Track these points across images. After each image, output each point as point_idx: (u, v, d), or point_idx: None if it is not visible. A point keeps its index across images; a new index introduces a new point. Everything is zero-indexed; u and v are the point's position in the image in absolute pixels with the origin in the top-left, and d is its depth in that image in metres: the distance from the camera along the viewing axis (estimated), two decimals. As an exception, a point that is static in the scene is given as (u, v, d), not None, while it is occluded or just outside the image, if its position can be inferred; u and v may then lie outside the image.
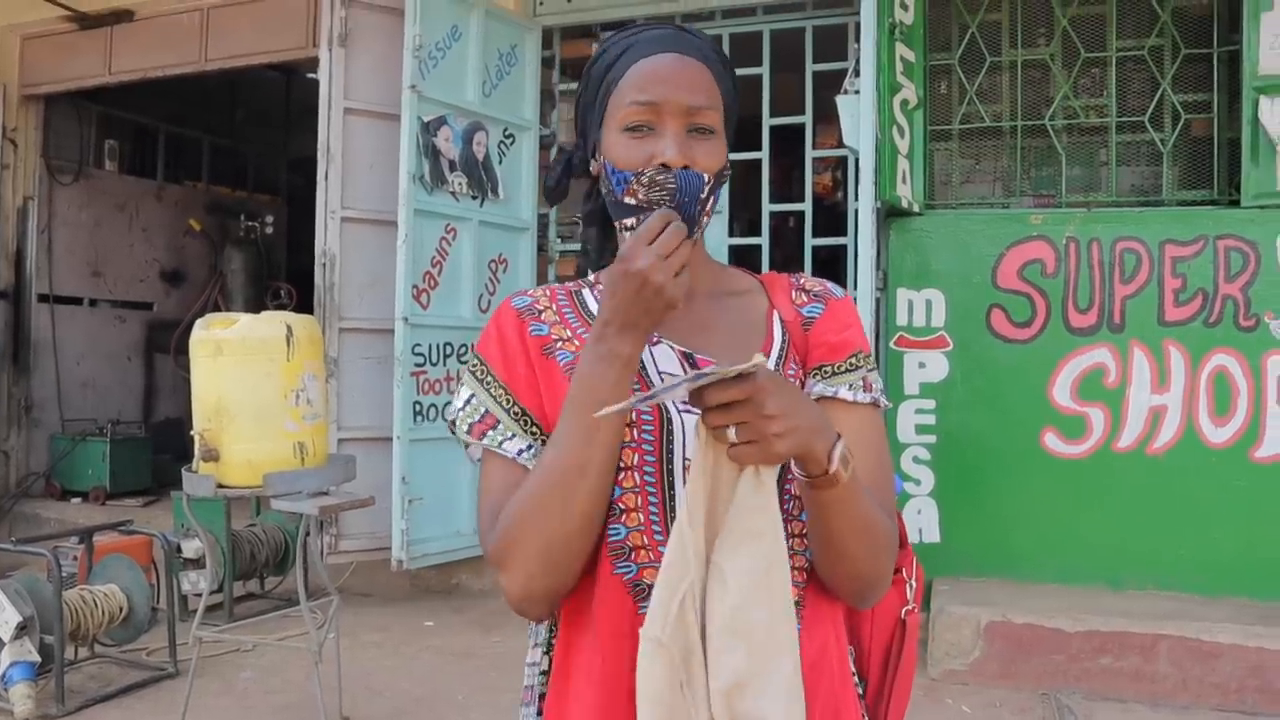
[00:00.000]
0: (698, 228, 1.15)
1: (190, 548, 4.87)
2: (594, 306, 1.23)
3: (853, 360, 1.19)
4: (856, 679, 1.25)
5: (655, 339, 1.17)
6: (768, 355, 1.19)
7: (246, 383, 3.05)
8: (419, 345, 4.93)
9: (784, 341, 1.21)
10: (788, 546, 1.11)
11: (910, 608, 1.30)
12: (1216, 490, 4.29)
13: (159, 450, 7.48)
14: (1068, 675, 3.94)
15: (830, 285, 1.29)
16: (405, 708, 3.91)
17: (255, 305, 8.19)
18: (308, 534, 3.57)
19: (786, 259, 6.18)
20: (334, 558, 5.21)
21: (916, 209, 4.74)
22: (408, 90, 4.79)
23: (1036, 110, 4.87)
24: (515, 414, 1.16)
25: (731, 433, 0.96)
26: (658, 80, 1.15)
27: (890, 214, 4.70)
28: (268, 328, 3.09)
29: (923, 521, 4.66)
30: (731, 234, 5.80)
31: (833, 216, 6.11)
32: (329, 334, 5.08)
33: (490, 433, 1.15)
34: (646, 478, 1.11)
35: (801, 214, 5.40)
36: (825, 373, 1.19)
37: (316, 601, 3.81)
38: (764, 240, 5.44)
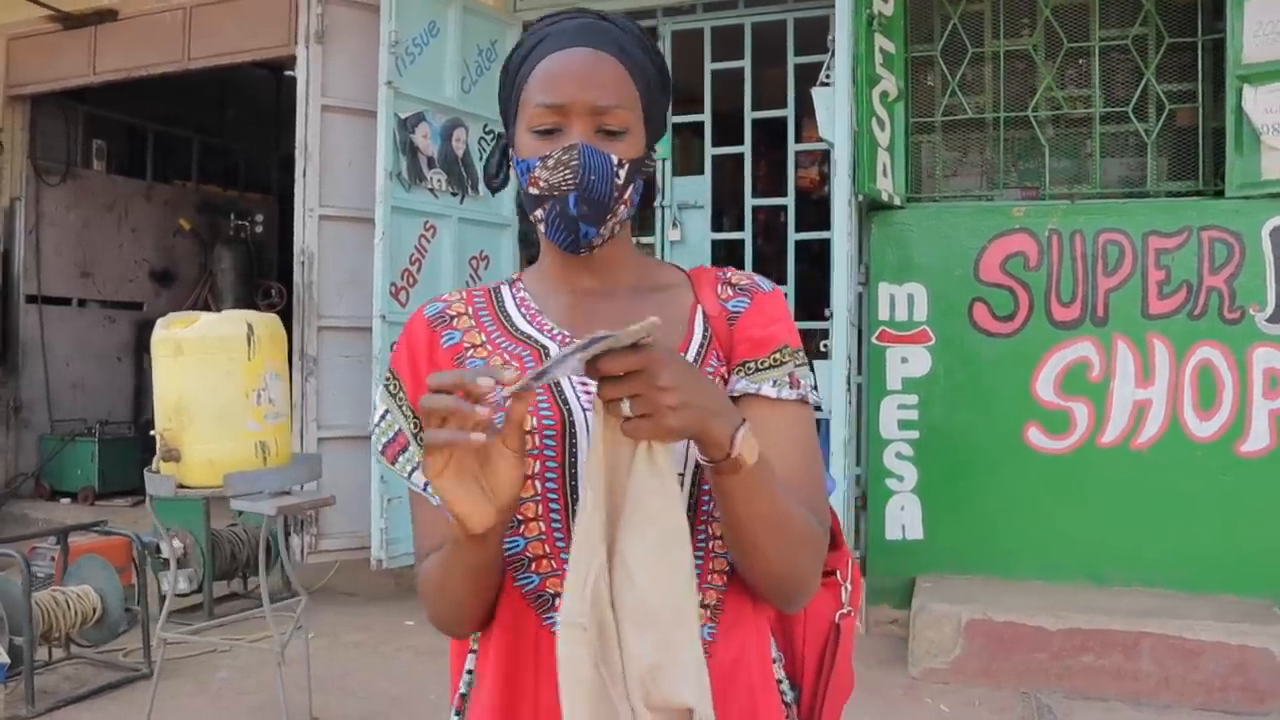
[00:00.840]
0: (611, 216, 1.11)
1: (169, 548, 4.84)
2: (512, 307, 1.20)
3: (777, 355, 1.15)
4: (788, 685, 1.21)
5: (564, 336, 1.14)
6: (685, 351, 1.15)
7: (207, 382, 3.02)
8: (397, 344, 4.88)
9: (705, 337, 1.17)
10: (703, 543, 1.09)
11: (845, 611, 1.27)
12: (1201, 485, 4.23)
13: (148, 450, 7.39)
14: (1049, 674, 3.89)
15: (758, 279, 1.24)
16: (379, 709, 3.87)
17: (245, 304, 8.16)
18: (271, 534, 3.53)
19: (777, 254, 6.14)
20: (315, 557, 5.18)
21: (898, 202, 4.69)
22: (384, 86, 4.75)
23: (1020, 102, 4.82)
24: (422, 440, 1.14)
25: (625, 406, 0.91)
26: (564, 79, 1.10)
27: (872, 207, 4.65)
28: (228, 326, 3.07)
29: (906, 518, 4.62)
30: (719, 229, 5.77)
31: (822, 211, 6.06)
32: (308, 333, 5.06)
33: (401, 458, 1.14)
34: (549, 484, 1.08)
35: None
36: (748, 369, 1.14)
37: (290, 601, 3.77)
38: (747, 235, 5.39)
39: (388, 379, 1.17)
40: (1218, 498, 4.21)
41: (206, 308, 8.15)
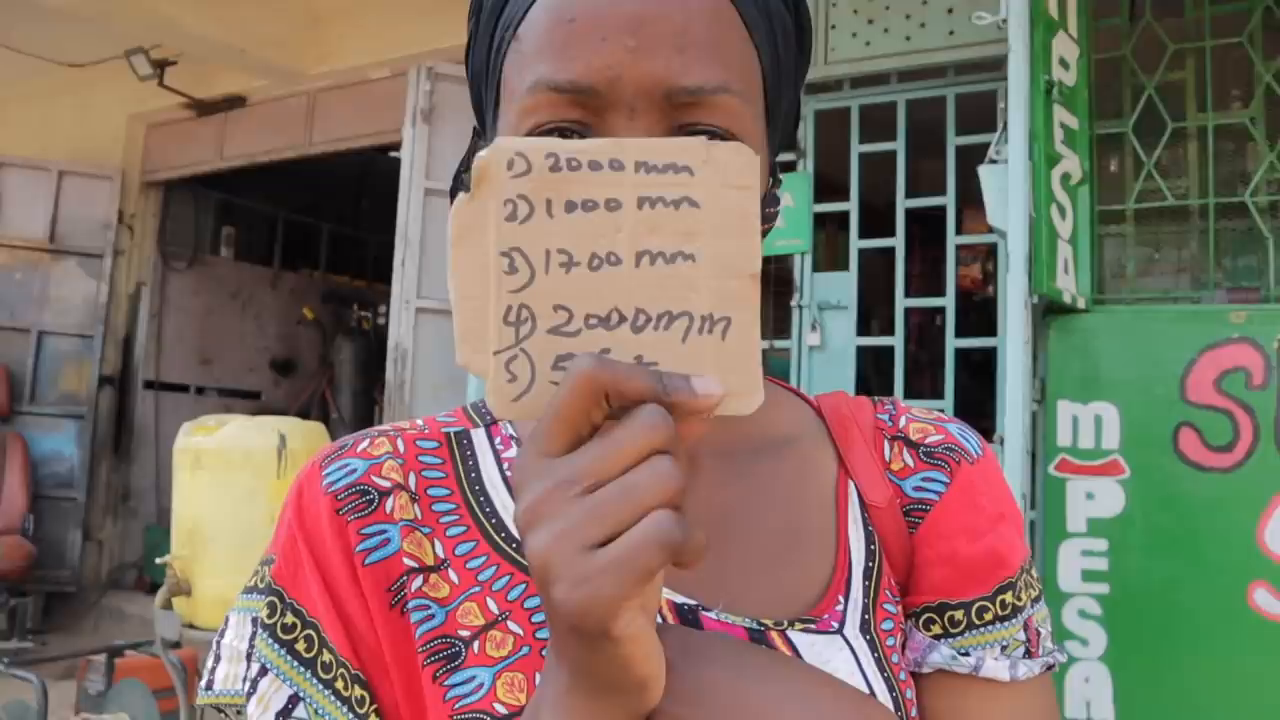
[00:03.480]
0: None
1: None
2: (493, 471, 0.62)
3: (1008, 596, 0.62)
4: None
5: None
6: (840, 598, 0.60)
7: (226, 503, 2.52)
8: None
9: (873, 560, 0.62)
10: None
11: None
12: None
13: (253, 547, 7.17)
14: None
15: (954, 428, 0.67)
16: None
17: (363, 398, 7.92)
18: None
19: (932, 362, 5.42)
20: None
21: (1082, 305, 3.94)
22: (490, 167, 4.33)
23: (1232, 186, 4.03)
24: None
25: None
26: (597, 24, 0.52)
27: (1050, 310, 3.91)
28: (256, 437, 2.57)
29: (1091, 693, 3.74)
30: (866, 332, 5.07)
31: (985, 313, 5.33)
32: (397, 435, 4.59)
33: None
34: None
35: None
36: (952, 621, 0.62)
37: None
38: (898, 340, 4.69)
39: (272, 609, 0.59)
40: None
41: (324, 400, 7.93)
